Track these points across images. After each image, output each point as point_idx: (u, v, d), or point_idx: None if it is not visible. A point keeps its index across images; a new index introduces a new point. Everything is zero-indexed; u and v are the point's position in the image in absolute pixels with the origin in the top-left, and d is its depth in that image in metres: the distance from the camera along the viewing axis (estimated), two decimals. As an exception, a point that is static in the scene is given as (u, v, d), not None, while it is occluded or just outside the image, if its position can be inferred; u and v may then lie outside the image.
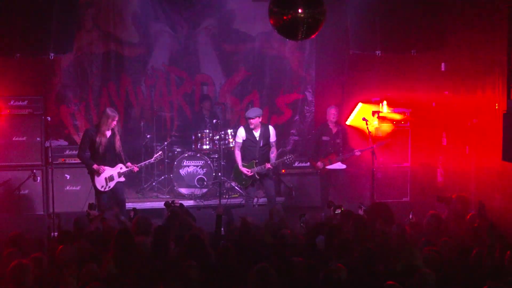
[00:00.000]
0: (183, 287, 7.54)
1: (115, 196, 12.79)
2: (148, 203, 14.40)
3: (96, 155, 12.55)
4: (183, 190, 14.73)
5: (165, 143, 15.24)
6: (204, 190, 14.77)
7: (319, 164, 14.27)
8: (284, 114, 16.75)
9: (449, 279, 7.85)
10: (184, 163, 14.82)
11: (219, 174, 14.35)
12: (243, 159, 13.51)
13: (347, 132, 14.52)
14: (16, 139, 14.13)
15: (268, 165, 13.25)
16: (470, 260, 8.40)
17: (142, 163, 13.34)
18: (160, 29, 16.11)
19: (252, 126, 13.28)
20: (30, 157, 14.16)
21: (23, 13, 11.39)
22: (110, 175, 12.59)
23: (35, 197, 14.17)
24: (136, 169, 12.81)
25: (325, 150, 14.33)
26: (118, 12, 15.77)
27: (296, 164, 15.40)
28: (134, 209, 11.72)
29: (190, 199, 14.64)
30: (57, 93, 15.57)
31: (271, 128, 13.56)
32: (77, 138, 15.49)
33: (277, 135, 15.88)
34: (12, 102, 14.16)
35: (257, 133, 13.39)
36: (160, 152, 13.45)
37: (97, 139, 12.45)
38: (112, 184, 12.63)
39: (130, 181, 15.50)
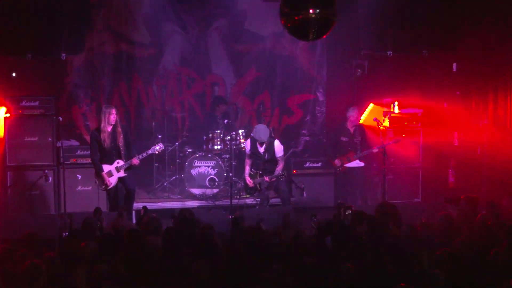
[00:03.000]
0: (194, 286, 7.55)
1: (125, 187, 12.98)
2: (159, 203, 14.39)
3: (101, 152, 12.75)
4: (194, 191, 14.71)
5: (176, 143, 15.23)
6: (215, 190, 14.75)
7: (337, 161, 14.32)
8: (295, 115, 16.73)
9: (463, 280, 7.84)
10: (195, 164, 14.80)
11: (230, 174, 14.33)
12: (252, 168, 13.66)
13: (365, 131, 14.51)
14: (28, 139, 14.16)
15: (266, 178, 13.30)
16: (485, 260, 8.38)
17: (141, 155, 13.19)
18: (171, 30, 16.11)
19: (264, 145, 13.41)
20: (41, 157, 14.19)
21: (35, 13, 11.42)
22: (108, 170, 12.79)
23: (46, 197, 14.20)
24: (135, 161, 12.84)
25: (343, 149, 14.37)
26: (129, 12, 15.78)
27: (307, 164, 15.39)
28: (144, 207, 11.75)
29: (201, 199, 14.63)
30: (69, 94, 15.61)
31: (276, 143, 13.55)
32: (89, 138, 15.53)
33: (287, 135, 15.99)
34: (23, 103, 14.20)
35: (261, 148, 13.48)
36: (159, 144, 13.34)
37: (101, 137, 12.66)
38: (113, 181, 12.82)
39: (142, 181, 15.54)
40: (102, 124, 12.66)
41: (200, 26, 16.22)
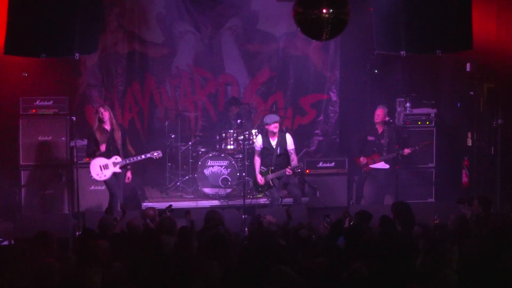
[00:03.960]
0: (205, 287, 7.55)
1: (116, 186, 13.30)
2: (172, 202, 14.31)
3: (97, 148, 13.05)
4: (207, 190, 14.72)
5: (190, 143, 15.24)
6: (228, 190, 14.76)
7: (362, 159, 14.26)
8: (309, 115, 16.73)
9: (475, 281, 7.81)
10: (209, 163, 14.80)
11: (243, 174, 14.33)
12: (263, 165, 13.64)
13: (394, 133, 14.44)
14: (42, 138, 14.22)
15: (289, 170, 13.28)
16: (498, 261, 8.34)
17: (139, 157, 13.35)
18: (185, 30, 16.13)
19: (275, 130, 13.34)
20: (55, 157, 14.25)
21: (48, 13, 11.43)
22: (105, 163, 13.04)
23: (60, 197, 14.27)
24: (129, 176, 13.33)
25: (369, 150, 14.32)
26: (142, 12, 15.82)
27: (320, 164, 15.39)
28: (170, 206, 11.81)
29: (214, 199, 14.64)
30: (82, 93, 15.65)
31: (288, 136, 13.61)
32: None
33: (301, 134, 16.00)
34: (37, 102, 14.26)
35: (274, 142, 13.48)
36: (158, 151, 13.46)
37: (97, 135, 13.00)
38: (107, 173, 13.07)
39: (155, 180, 15.60)
40: (93, 122, 13.23)
41: (213, 26, 16.25)
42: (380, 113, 14.34)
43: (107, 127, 13.04)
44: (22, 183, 14.18)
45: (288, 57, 16.48)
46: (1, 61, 13.62)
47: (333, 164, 15.33)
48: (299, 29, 10.12)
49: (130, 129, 16.00)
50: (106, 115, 13.02)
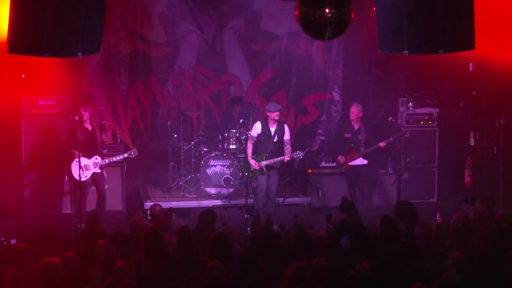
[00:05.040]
0: (207, 286, 7.56)
1: (95, 186, 13.53)
2: (174, 202, 14.37)
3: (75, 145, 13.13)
4: (209, 190, 14.73)
5: (192, 142, 15.24)
6: (231, 189, 14.77)
7: (340, 158, 14.30)
8: (311, 114, 16.72)
9: (479, 281, 7.81)
10: (211, 163, 14.81)
11: (246, 173, 14.33)
12: (254, 152, 13.67)
13: (369, 128, 14.47)
14: (44, 138, 14.22)
15: (287, 157, 13.34)
16: (502, 261, 8.34)
17: (117, 157, 13.56)
18: (187, 29, 16.13)
19: (277, 118, 13.45)
20: (57, 156, 14.24)
21: (51, 12, 11.43)
22: (86, 164, 13.16)
23: (62, 196, 14.27)
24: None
25: (347, 147, 14.34)
26: (145, 11, 15.82)
27: (323, 164, 15.39)
28: (170, 208, 11.80)
29: (217, 198, 14.64)
30: (85, 93, 15.65)
31: (286, 126, 13.76)
32: (105, 138, 15.56)
33: (303, 134, 16.01)
34: (40, 102, 14.27)
35: (273, 129, 13.56)
36: (134, 150, 13.69)
37: (78, 132, 13.14)
38: (88, 174, 13.23)
39: (157, 180, 15.60)
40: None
41: (216, 25, 16.24)
42: (355, 110, 14.44)
43: (88, 126, 13.26)
44: (25, 183, 14.19)
45: (291, 57, 16.48)
46: (4, 60, 13.61)
47: (335, 163, 15.33)
48: (301, 28, 10.12)
49: (132, 128, 16.01)
50: (85, 115, 13.27)
